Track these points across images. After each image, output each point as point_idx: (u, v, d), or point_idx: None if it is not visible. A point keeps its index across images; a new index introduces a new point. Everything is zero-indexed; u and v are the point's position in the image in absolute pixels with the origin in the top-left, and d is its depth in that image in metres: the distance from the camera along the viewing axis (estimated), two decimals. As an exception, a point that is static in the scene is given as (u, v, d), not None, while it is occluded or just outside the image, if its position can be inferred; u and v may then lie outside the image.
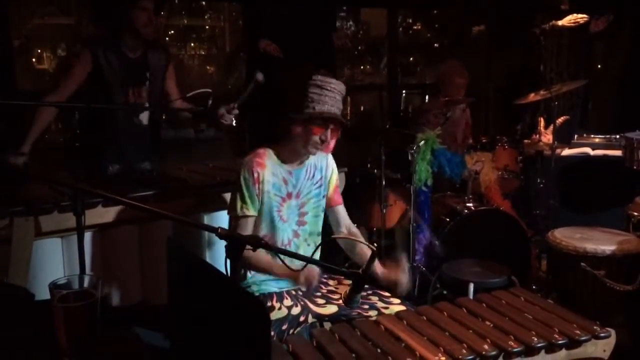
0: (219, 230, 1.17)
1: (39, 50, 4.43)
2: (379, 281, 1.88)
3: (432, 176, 2.91)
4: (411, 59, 5.82)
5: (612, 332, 1.58)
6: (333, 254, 2.17)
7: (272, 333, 1.73)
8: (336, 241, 2.06)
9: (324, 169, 2.04)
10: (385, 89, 4.97)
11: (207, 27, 5.35)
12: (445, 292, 2.79)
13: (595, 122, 4.35)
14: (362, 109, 5.53)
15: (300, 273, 1.75)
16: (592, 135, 3.94)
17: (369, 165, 3.44)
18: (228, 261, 1.24)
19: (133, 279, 2.16)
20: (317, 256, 1.75)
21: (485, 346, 1.45)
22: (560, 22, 3.73)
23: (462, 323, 1.59)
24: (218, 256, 2.27)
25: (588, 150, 3.82)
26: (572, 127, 4.03)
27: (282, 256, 1.33)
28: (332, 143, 1.96)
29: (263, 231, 1.92)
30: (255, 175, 1.88)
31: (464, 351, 1.43)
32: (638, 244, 2.64)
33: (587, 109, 4.49)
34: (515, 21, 4.31)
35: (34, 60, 4.43)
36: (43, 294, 1.21)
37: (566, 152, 3.77)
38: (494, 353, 1.44)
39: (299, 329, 1.84)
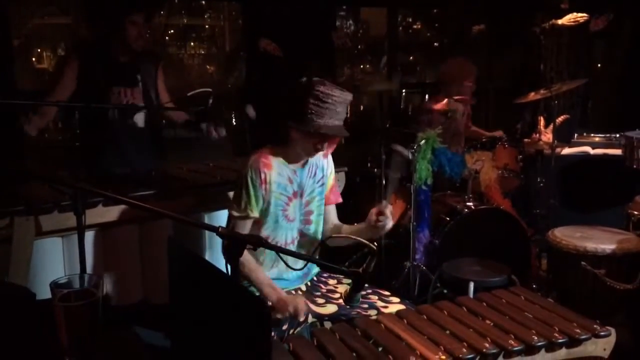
0: (220, 230, 1.17)
1: (39, 50, 4.43)
2: (365, 230, 1.86)
3: (432, 175, 2.91)
4: (411, 58, 5.82)
5: (613, 330, 1.58)
6: (333, 254, 2.17)
7: (272, 333, 1.73)
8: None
9: (325, 168, 2.04)
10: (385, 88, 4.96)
11: (206, 26, 5.35)
12: (445, 291, 2.79)
13: (595, 121, 4.35)
14: (361, 108, 5.53)
15: (288, 301, 1.75)
16: (592, 134, 3.94)
17: (369, 165, 3.44)
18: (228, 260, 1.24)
19: (133, 279, 2.16)
20: (316, 255, 1.75)
21: (486, 345, 1.46)
22: (560, 21, 3.73)
23: (462, 322, 1.59)
24: (219, 256, 2.27)
25: (588, 149, 3.82)
26: (572, 126, 4.03)
27: (284, 257, 1.33)
28: (331, 149, 1.96)
29: (266, 231, 1.92)
30: (263, 176, 1.87)
31: (465, 350, 1.43)
32: (638, 242, 2.64)
33: (587, 108, 4.49)
34: (515, 20, 4.31)
35: (33, 59, 4.43)
36: (44, 293, 1.22)
37: (566, 151, 3.77)
38: (494, 352, 1.44)
39: (299, 328, 1.84)
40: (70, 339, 1.05)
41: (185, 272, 1.13)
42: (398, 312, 1.70)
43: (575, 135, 3.98)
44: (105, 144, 2.51)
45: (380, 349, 1.47)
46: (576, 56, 4.16)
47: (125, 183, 2.25)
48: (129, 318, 2.10)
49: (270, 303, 1.78)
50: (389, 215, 1.85)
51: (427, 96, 5.32)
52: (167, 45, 5.05)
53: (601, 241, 2.63)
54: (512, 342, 1.47)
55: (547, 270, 3.02)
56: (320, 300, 1.94)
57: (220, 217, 2.24)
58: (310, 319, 1.88)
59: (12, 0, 3.48)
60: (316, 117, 1.78)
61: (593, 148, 3.82)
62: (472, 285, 2.50)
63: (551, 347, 1.50)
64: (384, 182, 2.91)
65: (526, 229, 3.14)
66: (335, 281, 2.04)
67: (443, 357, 1.40)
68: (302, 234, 1.98)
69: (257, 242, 1.22)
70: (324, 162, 2.04)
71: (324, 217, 2.08)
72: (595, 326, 1.57)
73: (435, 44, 5.89)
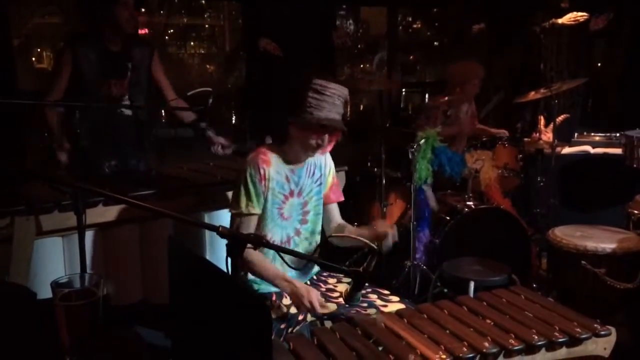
0: (220, 229, 1.17)
1: (39, 50, 4.43)
2: (368, 236, 1.86)
3: (433, 175, 2.91)
4: (411, 57, 5.82)
5: (613, 330, 1.58)
6: (333, 253, 2.17)
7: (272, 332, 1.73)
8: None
9: (323, 167, 2.04)
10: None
11: (206, 26, 5.34)
12: (445, 290, 2.79)
13: (595, 120, 4.35)
14: (361, 107, 5.53)
15: (304, 294, 1.75)
16: (592, 134, 3.94)
17: (369, 164, 3.44)
18: (229, 260, 1.24)
19: (134, 278, 2.16)
20: (317, 255, 1.75)
21: (486, 344, 1.45)
22: (560, 20, 3.73)
23: (462, 321, 1.59)
24: (219, 255, 2.27)
25: (588, 148, 3.82)
26: (572, 125, 4.04)
27: (284, 256, 1.33)
28: (330, 145, 1.96)
29: (261, 229, 1.92)
30: (262, 172, 1.87)
31: (465, 349, 1.43)
32: (638, 242, 2.64)
33: (587, 107, 4.49)
34: (515, 19, 4.32)
35: (33, 59, 4.43)
36: (44, 293, 1.22)
37: (566, 150, 3.77)
38: (494, 351, 1.44)
39: (298, 327, 1.84)
40: (71, 338, 1.06)
41: (185, 271, 1.13)
42: (398, 311, 1.70)
43: (576, 134, 3.98)
44: (95, 141, 2.50)
45: (380, 348, 1.47)
46: (576, 55, 4.17)
47: (125, 183, 2.25)
48: (130, 318, 2.10)
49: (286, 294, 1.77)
50: (390, 240, 1.86)
51: (427, 95, 5.33)
52: (167, 44, 5.05)
53: (601, 240, 2.63)
54: (513, 342, 1.47)
55: (548, 269, 3.02)
56: (320, 299, 1.93)
57: (221, 217, 2.24)
58: (309, 317, 1.88)
59: (12, 0, 3.47)
60: (315, 110, 1.79)
61: (593, 147, 3.82)
62: (472, 284, 2.50)
63: (551, 346, 1.50)
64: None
65: (526, 228, 3.14)
66: (335, 280, 2.04)
67: (443, 356, 1.40)
68: (299, 233, 1.98)
69: (258, 242, 1.22)
70: (321, 161, 2.04)
71: (326, 216, 2.08)
72: (595, 325, 1.57)
73: (435, 43, 5.89)
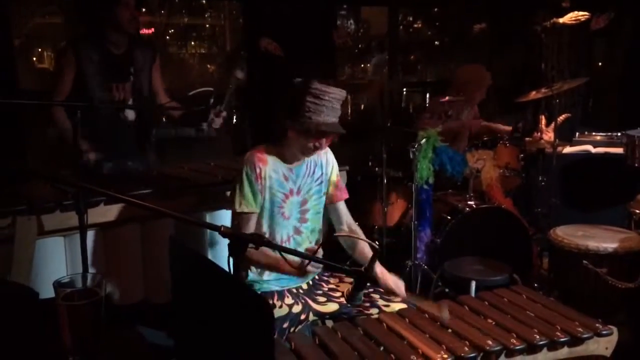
0: (222, 229, 1.17)
1: (40, 50, 4.44)
2: (377, 282, 1.88)
3: (434, 174, 2.91)
4: (412, 57, 5.82)
5: (615, 329, 1.58)
6: (335, 252, 2.17)
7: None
8: (337, 239, 2.06)
9: (324, 166, 2.04)
10: (386, 87, 4.96)
11: (207, 25, 5.34)
12: (447, 290, 2.79)
13: (596, 120, 4.35)
14: (362, 107, 5.52)
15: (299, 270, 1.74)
16: (594, 133, 3.94)
17: (370, 164, 3.44)
18: (231, 259, 1.24)
19: (135, 278, 2.16)
20: (319, 254, 1.75)
21: (488, 343, 1.45)
22: (561, 20, 3.73)
23: (464, 321, 1.59)
24: (220, 255, 2.27)
25: (589, 148, 3.82)
26: (574, 124, 4.03)
27: (285, 254, 1.33)
28: (328, 144, 1.96)
29: (266, 228, 1.92)
30: (258, 170, 1.88)
31: (467, 349, 1.43)
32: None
33: (588, 106, 4.49)
34: (516, 19, 4.31)
35: (34, 59, 4.43)
36: (45, 292, 1.22)
37: (567, 149, 3.77)
38: (496, 350, 1.44)
39: (300, 327, 1.84)
40: (73, 338, 1.06)
41: (187, 270, 1.13)
42: (400, 311, 1.70)
43: (577, 134, 3.97)
44: (94, 141, 2.50)
45: (382, 347, 1.47)
46: (577, 55, 4.16)
47: (125, 182, 2.25)
48: (131, 317, 2.10)
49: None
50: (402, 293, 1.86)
51: (427, 95, 5.33)
52: (167, 44, 5.05)
53: (603, 240, 2.63)
54: (514, 341, 1.47)
55: (549, 269, 3.02)
56: (322, 299, 1.94)
57: (222, 216, 2.24)
58: (311, 317, 1.89)
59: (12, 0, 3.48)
60: (314, 115, 1.79)
61: (594, 147, 3.81)
62: (473, 284, 2.50)
63: (553, 345, 1.50)
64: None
65: (527, 227, 3.14)
66: (336, 280, 2.04)
67: (445, 355, 1.40)
68: (299, 232, 1.98)
69: (259, 241, 1.22)
70: (323, 160, 2.03)
71: (336, 216, 2.07)
72: (597, 325, 1.57)
73: (436, 42, 5.88)
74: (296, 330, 1.82)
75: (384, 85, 4.05)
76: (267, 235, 1.89)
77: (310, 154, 1.92)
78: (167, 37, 5.04)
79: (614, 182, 3.43)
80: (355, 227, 2.11)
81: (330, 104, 1.80)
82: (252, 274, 1.95)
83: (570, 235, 2.71)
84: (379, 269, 1.89)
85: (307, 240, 2.00)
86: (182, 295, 1.16)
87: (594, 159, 3.73)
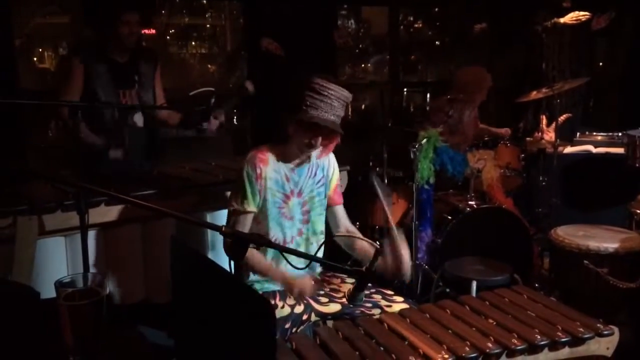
0: (223, 229, 1.17)
1: (40, 50, 4.44)
2: (383, 266, 1.85)
3: (435, 174, 2.91)
4: (412, 57, 5.82)
5: (616, 329, 1.58)
6: (336, 253, 2.17)
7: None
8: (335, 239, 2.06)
9: (326, 168, 2.04)
10: (387, 86, 4.97)
11: (208, 25, 5.35)
12: (448, 290, 2.79)
13: (597, 120, 4.35)
14: (363, 107, 5.52)
15: (295, 282, 1.76)
16: (595, 133, 3.94)
17: (371, 164, 3.44)
18: (231, 259, 1.24)
19: (136, 278, 2.16)
20: (320, 255, 1.75)
21: (489, 344, 1.45)
22: (562, 20, 3.73)
23: (465, 321, 1.59)
24: (221, 255, 2.27)
25: (590, 148, 3.81)
26: (574, 124, 4.03)
27: (287, 255, 1.33)
28: (329, 148, 1.96)
29: (265, 229, 1.92)
30: (258, 171, 1.88)
31: (468, 349, 1.43)
32: (641, 241, 2.63)
33: (589, 106, 4.48)
34: (516, 19, 4.31)
35: (35, 59, 4.43)
36: (46, 292, 1.22)
37: (568, 149, 3.77)
38: (497, 351, 1.44)
39: (302, 327, 1.84)
40: (74, 337, 1.06)
41: (188, 270, 1.13)
42: (401, 311, 1.70)
43: (578, 134, 3.97)
44: (103, 144, 2.52)
45: (383, 348, 1.47)
46: (578, 55, 4.16)
47: (127, 182, 2.25)
48: (132, 317, 2.11)
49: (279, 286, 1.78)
50: (407, 272, 1.84)
51: (428, 95, 5.32)
52: (168, 44, 5.06)
53: (604, 240, 2.62)
54: (515, 341, 1.47)
55: (550, 269, 3.02)
56: (324, 299, 1.93)
57: (223, 216, 2.23)
58: (313, 317, 1.89)
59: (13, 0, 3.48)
60: (311, 109, 1.79)
61: (595, 147, 3.81)
62: (474, 284, 2.50)
63: (554, 346, 1.50)
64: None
65: (528, 227, 3.14)
66: (338, 280, 2.04)
67: (446, 356, 1.40)
68: (301, 233, 1.98)
69: (260, 242, 1.22)
70: (325, 163, 2.03)
71: (333, 219, 2.07)
72: (598, 325, 1.57)
73: (436, 42, 5.88)
74: (298, 330, 1.82)
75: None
76: (269, 237, 1.89)
77: (306, 152, 1.91)
78: (168, 37, 5.04)
79: (614, 182, 3.43)
80: (353, 229, 2.11)
81: (330, 100, 1.79)
82: (254, 274, 1.95)
83: (571, 235, 2.71)
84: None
85: (308, 242, 1.99)
86: (183, 295, 1.16)
87: (594, 159, 3.73)
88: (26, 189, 2.06)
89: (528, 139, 3.62)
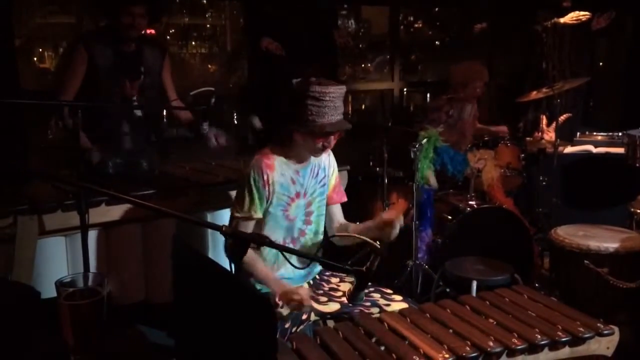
0: (224, 229, 1.17)
1: (41, 50, 4.44)
2: (374, 226, 1.87)
3: (435, 174, 2.91)
4: (412, 57, 5.82)
5: (616, 329, 1.57)
6: (335, 252, 2.17)
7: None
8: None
9: (326, 168, 2.04)
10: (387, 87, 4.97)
11: (208, 25, 5.35)
12: (448, 289, 2.79)
13: (597, 120, 4.35)
14: (363, 107, 5.52)
15: (293, 292, 1.74)
16: (595, 133, 3.94)
17: (371, 164, 3.44)
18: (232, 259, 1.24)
19: (136, 277, 2.17)
20: (320, 254, 1.75)
21: (489, 343, 1.45)
22: (562, 20, 3.73)
23: (465, 320, 1.59)
24: (222, 254, 2.27)
25: (590, 147, 3.82)
26: (575, 124, 4.03)
27: (288, 256, 1.33)
28: (332, 143, 1.96)
29: (266, 230, 1.92)
30: (265, 177, 1.87)
31: (468, 349, 1.43)
32: (641, 241, 2.63)
33: (589, 106, 4.48)
34: (517, 19, 4.31)
35: (35, 59, 4.43)
36: (47, 292, 1.22)
37: (568, 149, 3.77)
38: (497, 350, 1.44)
39: (301, 327, 1.84)
40: (75, 337, 1.06)
41: (189, 270, 1.13)
42: (401, 311, 1.70)
43: (578, 133, 3.97)
44: (102, 141, 2.51)
45: (383, 347, 1.47)
46: (578, 54, 4.15)
47: (127, 182, 2.25)
48: (132, 317, 2.11)
49: (275, 296, 1.78)
50: (397, 227, 1.88)
51: (428, 95, 5.32)
52: (168, 44, 5.06)
53: (604, 240, 2.62)
54: (516, 341, 1.47)
55: (550, 269, 3.02)
56: (323, 299, 1.94)
57: (224, 216, 2.24)
58: (313, 317, 1.89)
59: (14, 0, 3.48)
60: (318, 117, 1.79)
61: (595, 147, 3.81)
62: (474, 284, 2.50)
63: (554, 345, 1.50)
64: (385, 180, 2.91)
65: (529, 227, 3.14)
66: (337, 279, 2.04)
67: (446, 355, 1.40)
68: (303, 234, 1.98)
69: (261, 241, 1.22)
70: (325, 163, 2.04)
71: (329, 217, 2.08)
72: (598, 325, 1.57)
73: (436, 42, 5.88)
74: (298, 330, 1.82)
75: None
76: (270, 237, 1.89)
77: (320, 154, 1.93)
78: (168, 37, 5.04)
79: (615, 182, 3.43)
80: (346, 222, 2.10)
81: (332, 103, 1.80)
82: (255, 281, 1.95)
83: (572, 235, 2.71)
84: (362, 225, 1.91)
85: (309, 242, 2.00)
86: (184, 295, 1.16)
87: (595, 159, 3.73)
88: (27, 188, 2.06)
89: (528, 138, 3.62)
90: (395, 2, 4.91)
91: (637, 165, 2.95)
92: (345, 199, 2.12)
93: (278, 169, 1.90)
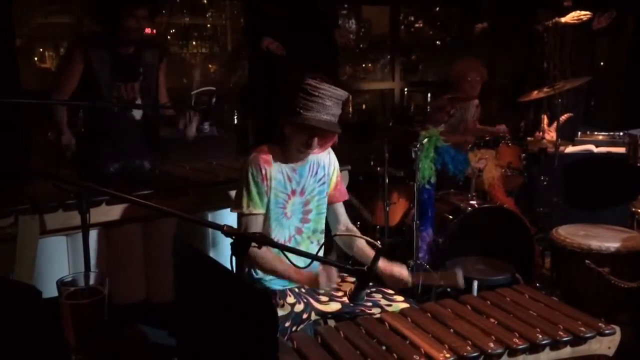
0: (225, 228, 1.17)
1: (41, 49, 4.44)
2: (380, 274, 1.88)
3: (436, 174, 2.90)
4: (413, 57, 5.82)
5: (617, 329, 1.57)
6: (336, 252, 2.17)
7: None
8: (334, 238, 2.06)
9: (326, 167, 2.04)
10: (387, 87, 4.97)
11: (208, 25, 5.35)
12: (449, 289, 2.79)
13: (598, 119, 4.35)
14: (364, 107, 5.52)
15: (318, 276, 1.75)
16: (596, 133, 3.94)
17: (372, 163, 3.44)
18: (234, 258, 1.24)
19: (137, 277, 2.16)
20: (320, 254, 1.75)
21: (490, 343, 1.45)
22: (563, 19, 3.73)
23: (466, 320, 1.59)
24: (223, 254, 2.27)
25: (592, 147, 3.81)
26: (576, 124, 4.03)
27: (288, 254, 1.33)
28: (326, 146, 1.96)
29: (269, 228, 1.92)
30: (263, 172, 1.87)
31: (469, 348, 1.43)
32: (642, 241, 2.63)
33: (591, 106, 4.48)
34: (517, 18, 4.31)
35: (36, 59, 4.44)
36: (48, 291, 1.22)
37: (570, 149, 3.77)
38: (499, 350, 1.44)
39: (302, 326, 1.84)
40: (76, 336, 1.06)
41: (190, 269, 1.13)
42: (402, 311, 1.70)
43: (579, 133, 3.97)
44: (101, 141, 2.50)
45: (384, 347, 1.47)
46: (579, 54, 4.15)
47: (128, 182, 2.25)
48: (133, 316, 2.11)
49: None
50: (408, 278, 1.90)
51: (429, 95, 5.32)
52: (169, 44, 5.06)
53: (605, 239, 2.62)
54: (517, 341, 1.47)
55: (551, 268, 3.02)
56: (324, 298, 1.94)
57: (224, 216, 2.24)
58: (313, 316, 1.89)
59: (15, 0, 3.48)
60: (304, 110, 1.78)
61: (597, 146, 3.81)
62: (475, 283, 2.50)
63: (556, 345, 1.50)
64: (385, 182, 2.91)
65: (530, 227, 3.14)
66: (339, 279, 2.04)
67: (448, 355, 1.40)
68: (300, 232, 1.98)
69: (262, 240, 1.22)
70: (325, 161, 2.03)
71: (333, 217, 2.08)
72: (600, 324, 1.56)
73: (437, 42, 5.88)
74: (298, 329, 1.82)
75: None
76: (271, 235, 1.89)
77: (303, 152, 1.91)
78: (169, 37, 5.04)
79: (616, 181, 3.43)
80: (352, 227, 2.11)
81: (322, 100, 1.78)
82: (255, 273, 1.95)
83: (573, 234, 2.71)
84: (381, 262, 1.89)
85: (308, 241, 2.00)
86: (184, 294, 1.16)
87: (596, 158, 3.73)
88: (28, 188, 2.06)
89: (529, 138, 3.62)
90: (396, 2, 4.91)
91: (638, 164, 2.95)
92: (346, 197, 2.11)
93: (275, 165, 1.90)
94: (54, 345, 1.11)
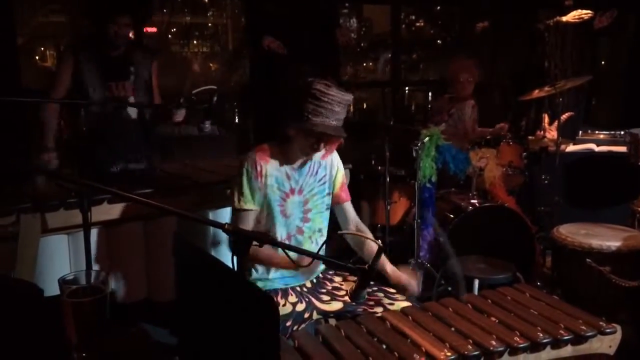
0: (226, 226, 1.17)
1: (42, 49, 4.45)
2: (388, 280, 1.89)
3: (437, 173, 2.91)
4: (414, 55, 5.82)
5: (618, 327, 1.57)
6: (339, 251, 2.17)
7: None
8: (343, 238, 2.06)
9: (328, 167, 2.03)
10: (389, 85, 4.97)
11: (209, 24, 5.35)
12: (450, 288, 2.79)
13: (599, 118, 4.34)
14: (365, 106, 5.53)
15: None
16: (597, 132, 3.93)
17: (373, 162, 3.44)
18: (234, 257, 1.24)
19: (138, 276, 2.17)
20: (322, 253, 1.75)
21: (491, 342, 1.45)
22: (564, 18, 3.72)
23: (467, 319, 1.59)
24: (224, 253, 2.27)
25: (593, 146, 3.81)
26: (577, 123, 4.02)
27: (288, 252, 1.33)
28: (332, 149, 1.96)
29: (269, 227, 1.92)
30: (259, 168, 1.87)
31: (470, 347, 1.43)
32: (643, 240, 2.63)
33: (592, 105, 4.48)
34: (518, 17, 4.30)
35: (37, 58, 4.44)
36: (50, 290, 1.22)
37: (571, 148, 3.76)
38: (499, 349, 1.44)
39: (303, 325, 1.84)
40: (78, 334, 1.06)
41: (191, 267, 1.13)
42: (403, 309, 1.70)
43: (580, 132, 3.96)
44: (98, 141, 2.51)
45: (385, 346, 1.47)
46: (580, 53, 4.15)
47: (128, 181, 2.26)
48: (135, 315, 2.11)
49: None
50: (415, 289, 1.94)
51: (430, 94, 5.32)
52: (170, 43, 5.06)
53: (606, 238, 2.62)
54: (518, 339, 1.47)
55: (552, 267, 3.02)
56: (325, 297, 1.94)
57: (225, 215, 2.24)
58: (315, 315, 1.89)
59: (16, -1, 3.49)
60: (313, 116, 1.78)
61: (598, 145, 3.81)
62: (476, 282, 2.50)
63: (556, 344, 1.50)
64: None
65: (530, 226, 3.14)
66: (340, 278, 2.04)
67: (448, 353, 1.40)
68: (301, 231, 1.98)
69: (263, 239, 1.22)
70: (327, 161, 2.03)
71: (343, 217, 2.07)
72: (601, 323, 1.56)
73: (438, 41, 5.88)
74: (300, 328, 1.82)
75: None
76: (270, 234, 1.89)
77: (308, 155, 1.91)
78: (170, 36, 5.05)
79: (617, 180, 3.42)
80: (363, 227, 2.10)
81: (331, 106, 1.78)
82: (256, 272, 1.95)
83: (574, 233, 2.71)
84: (389, 268, 1.90)
85: (309, 240, 2.00)
86: (186, 293, 1.16)
87: (597, 157, 3.72)
88: (29, 187, 2.06)
89: (530, 137, 3.61)
90: (397, 1, 4.91)
91: (639, 163, 2.94)
92: (349, 198, 2.11)
93: (273, 163, 1.90)
94: (55, 343, 1.11)
